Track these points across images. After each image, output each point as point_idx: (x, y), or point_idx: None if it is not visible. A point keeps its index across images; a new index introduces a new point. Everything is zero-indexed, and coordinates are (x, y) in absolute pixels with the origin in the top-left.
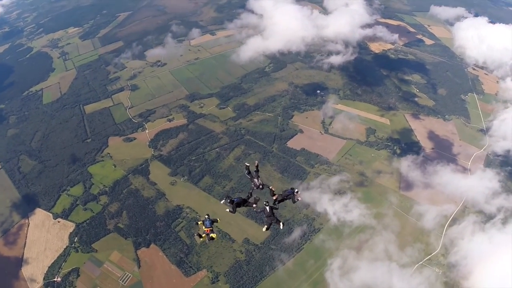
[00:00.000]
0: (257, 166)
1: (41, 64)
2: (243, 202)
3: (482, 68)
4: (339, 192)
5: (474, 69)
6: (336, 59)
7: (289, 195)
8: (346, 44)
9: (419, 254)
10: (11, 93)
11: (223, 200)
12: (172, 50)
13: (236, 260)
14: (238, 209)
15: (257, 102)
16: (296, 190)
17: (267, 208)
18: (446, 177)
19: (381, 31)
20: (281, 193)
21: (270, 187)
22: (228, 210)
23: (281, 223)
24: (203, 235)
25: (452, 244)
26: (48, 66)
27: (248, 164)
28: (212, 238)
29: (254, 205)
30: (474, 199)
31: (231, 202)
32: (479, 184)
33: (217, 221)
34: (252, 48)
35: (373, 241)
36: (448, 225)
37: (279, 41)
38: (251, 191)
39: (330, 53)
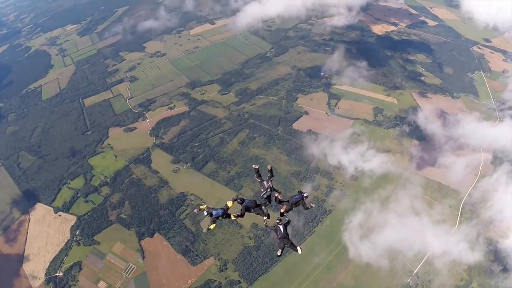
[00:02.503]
0: (271, 171)
1: (39, 61)
2: (255, 207)
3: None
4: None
5: (479, 48)
6: (339, 21)
7: (298, 201)
8: (349, 8)
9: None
10: (10, 91)
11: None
12: (165, 23)
13: (244, 246)
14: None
15: (259, 87)
16: (305, 194)
17: (281, 227)
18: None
19: None
20: (288, 199)
21: (276, 195)
22: (233, 215)
23: (298, 248)
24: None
25: (483, 199)
26: (46, 63)
27: (257, 167)
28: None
29: (264, 218)
30: (505, 148)
31: (241, 203)
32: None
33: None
34: (250, 15)
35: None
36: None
37: (278, 6)
38: (265, 197)
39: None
